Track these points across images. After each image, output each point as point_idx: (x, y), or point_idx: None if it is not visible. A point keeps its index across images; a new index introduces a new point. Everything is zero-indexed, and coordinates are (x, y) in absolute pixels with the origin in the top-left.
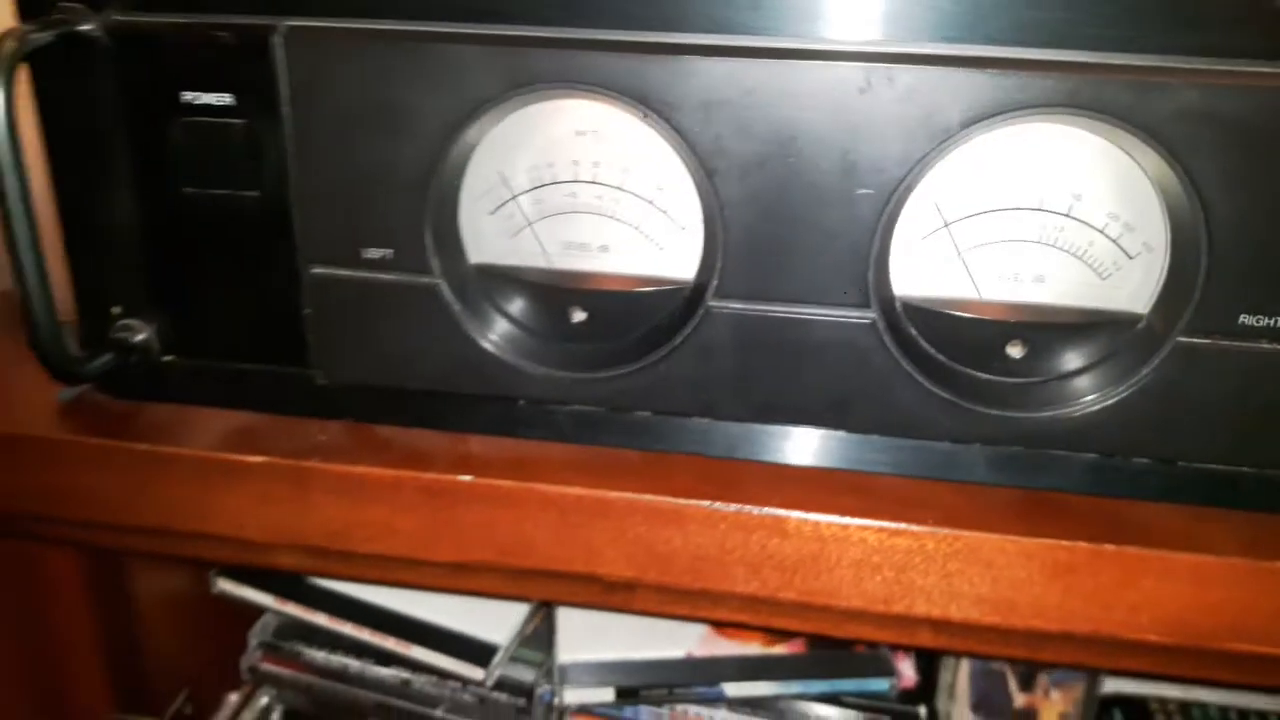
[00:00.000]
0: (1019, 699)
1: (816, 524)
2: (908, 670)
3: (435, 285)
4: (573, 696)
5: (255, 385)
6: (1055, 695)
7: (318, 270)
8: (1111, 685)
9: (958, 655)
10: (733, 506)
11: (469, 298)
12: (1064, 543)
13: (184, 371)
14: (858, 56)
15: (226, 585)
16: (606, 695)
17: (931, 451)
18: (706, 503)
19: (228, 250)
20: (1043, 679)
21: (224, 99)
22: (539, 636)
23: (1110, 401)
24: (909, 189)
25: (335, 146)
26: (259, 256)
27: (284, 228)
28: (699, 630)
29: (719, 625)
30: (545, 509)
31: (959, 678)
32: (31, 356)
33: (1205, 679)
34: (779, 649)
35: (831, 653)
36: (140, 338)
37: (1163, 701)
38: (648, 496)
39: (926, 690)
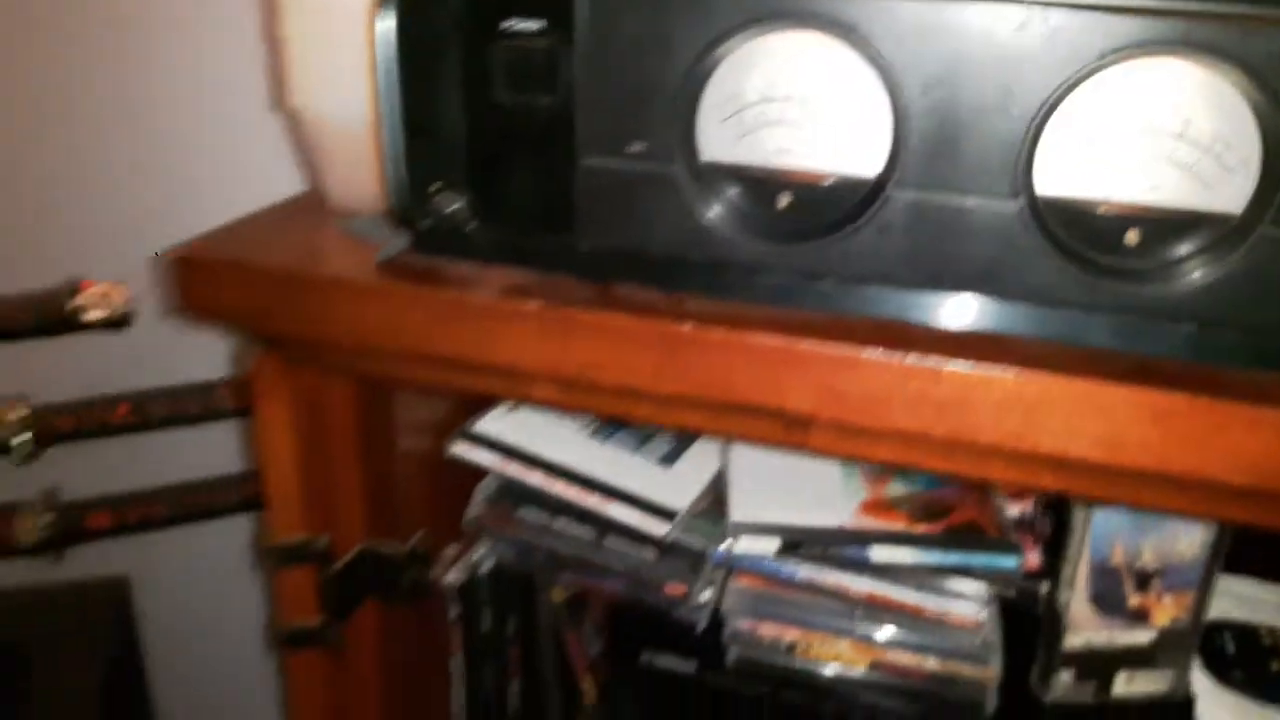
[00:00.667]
0: (1133, 599)
1: (965, 372)
2: (1033, 557)
3: (675, 174)
4: (743, 546)
5: (534, 249)
6: (1167, 600)
7: (589, 160)
8: (1220, 609)
9: (1077, 500)
10: (898, 356)
11: (699, 185)
12: (1165, 393)
13: (482, 236)
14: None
15: (460, 448)
16: (772, 545)
17: (1062, 318)
18: (878, 352)
19: (524, 143)
20: (1157, 583)
21: (534, 25)
22: (711, 513)
23: (1208, 281)
24: (1052, 108)
25: (612, 63)
26: (547, 149)
27: (568, 127)
28: (851, 508)
29: (879, 464)
30: (747, 354)
31: (1079, 572)
32: (338, 239)
33: None
34: (920, 528)
35: (966, 534)
36: (452, 208)
37: (1272, 630)
38: (830, 346)
39: (1050, 582)
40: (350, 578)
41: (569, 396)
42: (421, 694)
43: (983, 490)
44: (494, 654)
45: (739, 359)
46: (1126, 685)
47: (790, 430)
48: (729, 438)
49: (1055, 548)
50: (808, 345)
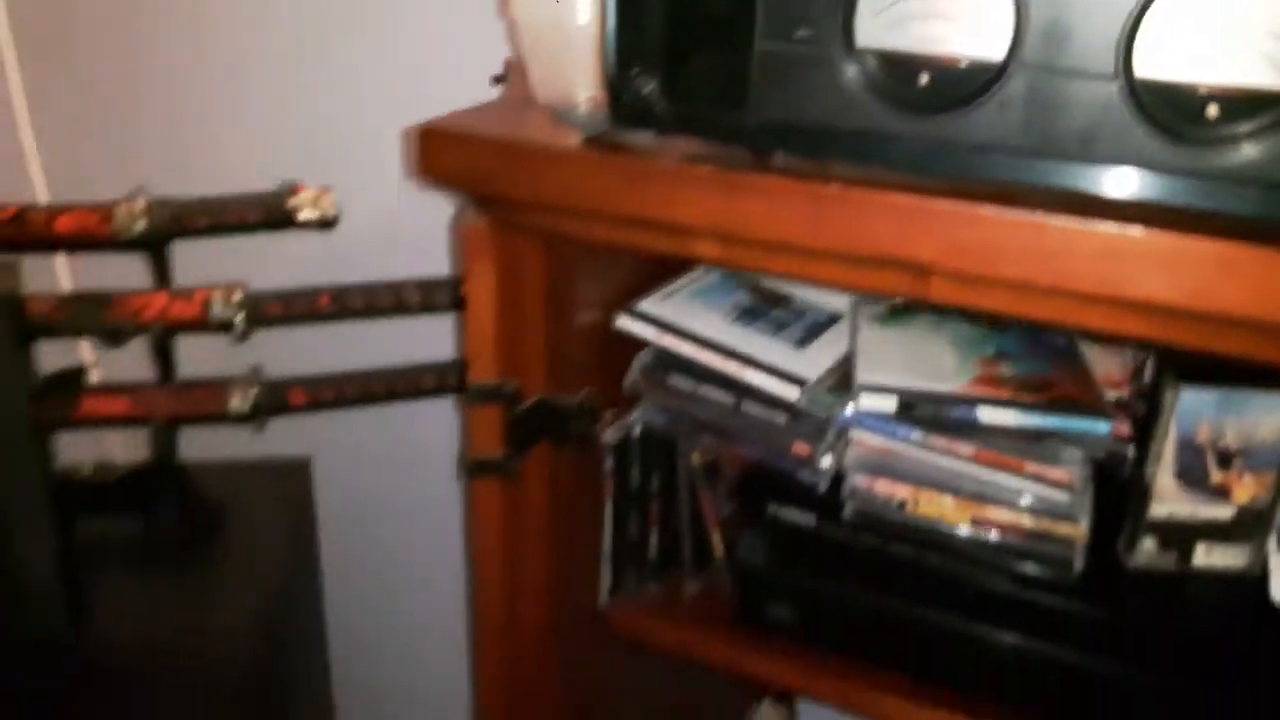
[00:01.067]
0: (1215, 475)
1: (1067, 226)
2: (1124, 427)
3: (833, 57)
4: (865, 404)
5: (711, 124)
6: (1248, 479)
7: (764, 45)
8: None
9: (1157, 349)
10: (1009, 212)
11: (852, 67)
12: (1237, 245)
13: (668, 113)
14: None
15: (623, 321)
16: (890, 404)
17: (1149, 180)
18: (992, 208)
19: (709, 32)
20: (1238, 463)
21: None
22: (838, 389)
23: (1276, 150)
24: (1150, 2)
25: None
26: (728, 37)
27: (748, 17)
28: (963, 381)
29: (990, 314)
30: (882, 211)
31: (1166, 447)
32: (546, 123)
33: None
34: (1025, 398)
35: (1065, 401)
36: (647, 89)
37: None
38: (952, 204)
39: (1139, 455)
40: (530, 420)
41: (729, 252)
42: (578, 531)
43: (1084, 373)
44: (639, 506)
45: (875, 215)
46: (1206, 557)
47: (916, 280)
48: (863, 291)
49: (1147, 430)
50: (933, 203)
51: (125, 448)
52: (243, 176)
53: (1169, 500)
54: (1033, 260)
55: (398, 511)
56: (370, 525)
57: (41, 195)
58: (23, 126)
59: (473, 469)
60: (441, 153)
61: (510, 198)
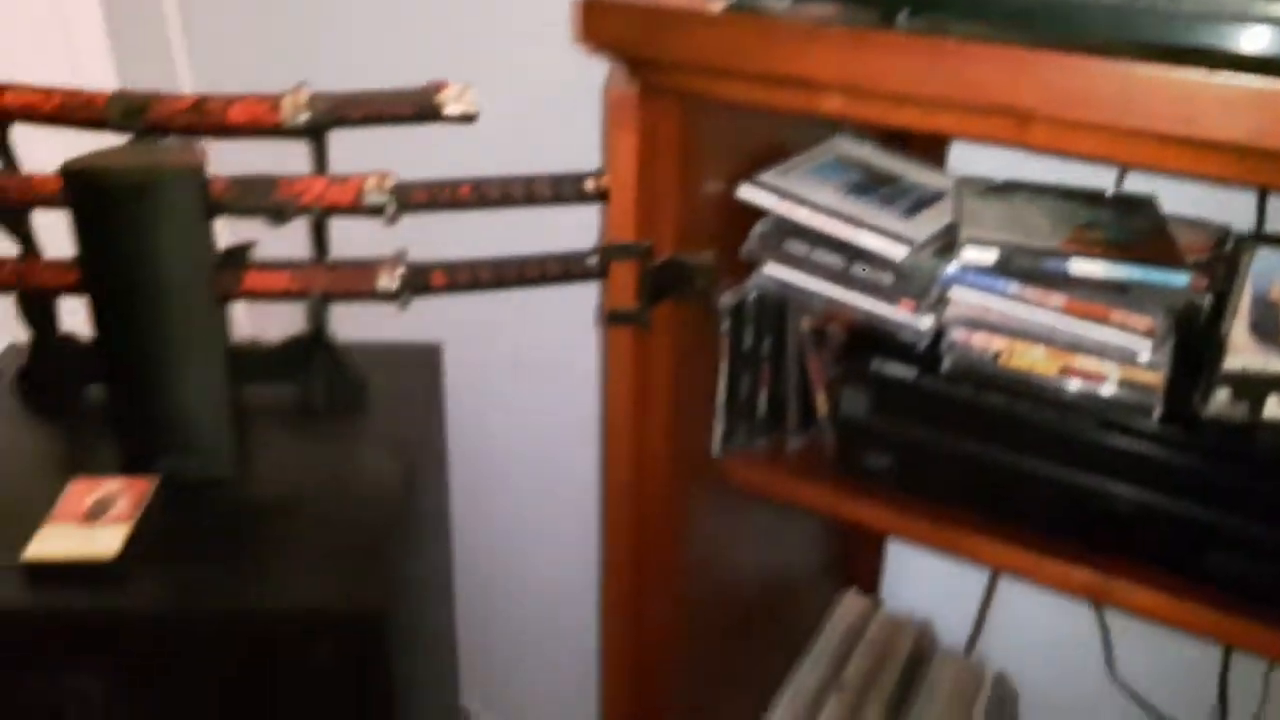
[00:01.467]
0: None
1: (1151, 74)
2: (1202, 281)
3: None
4: (967, 256)
5: None
6: None
7: None
8: None
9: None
10: (1102, 62)
11: None
12: None
13: None
14: None
15: (746, 191)
16: (991, 256)
17: (1230, 30)
18: (1088, 59)
19: None
20: None
21: None
22: (940, 255)
23: None
24: None
25: None
26: None
27: None
28: (1058, 240)
29: (1083, 158)
30: (993, 62)
31: (1242, 302)
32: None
33: None
34: (1113, 253)
35: (1149, 256)
36: None
37: None
38: (1052, 55)
39: (1215, 314)
40: (660, 277)
41: (853, 105)
42: (696, 385)
43: (1168, 240)
44: (751, 367)
45: (985, 66)
46: (1278, 409)
47: (1019, 125)
48: (973, 138)
49: (1225, 292)
50: (1036, 55)
51: (254, 330)
52: (377, 72)
53: (1243, 353)
54: (1119, 104)
55: (519, 400)
56: (489, 413)
57: (185, 87)
58: (171, 19)
59: (610, 318)
60: (601, 20)
61: (658, 59)
